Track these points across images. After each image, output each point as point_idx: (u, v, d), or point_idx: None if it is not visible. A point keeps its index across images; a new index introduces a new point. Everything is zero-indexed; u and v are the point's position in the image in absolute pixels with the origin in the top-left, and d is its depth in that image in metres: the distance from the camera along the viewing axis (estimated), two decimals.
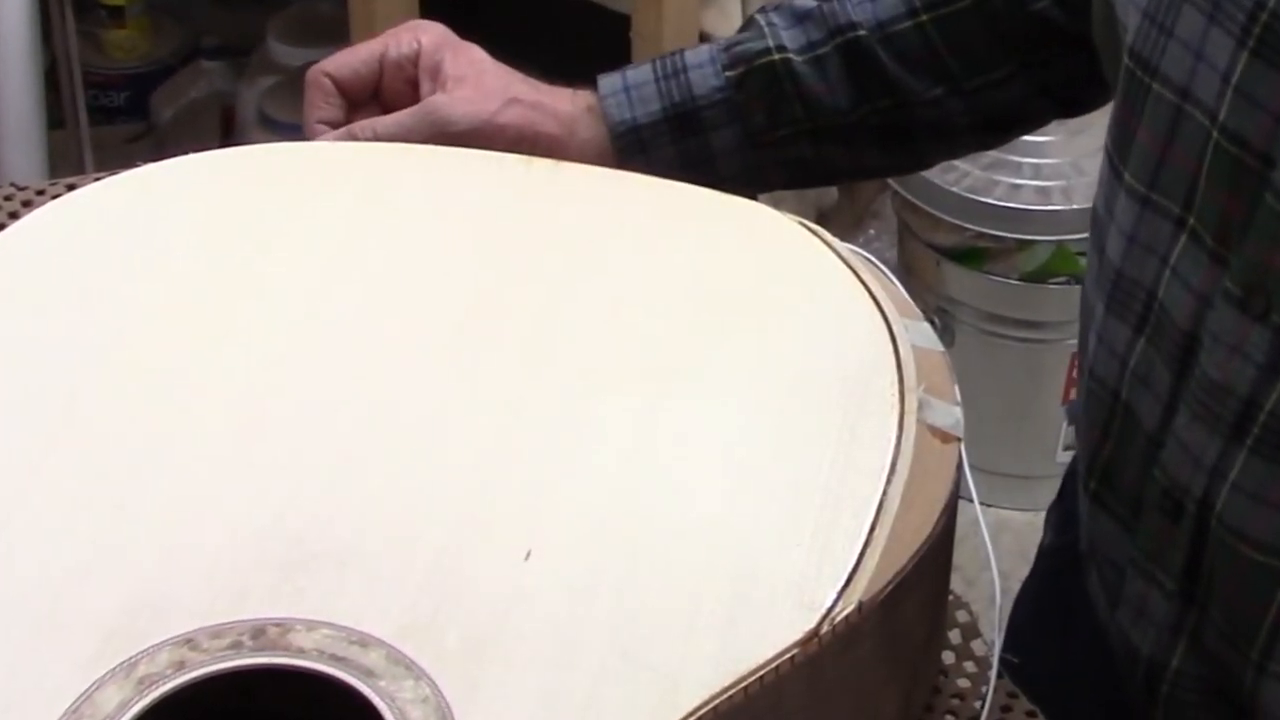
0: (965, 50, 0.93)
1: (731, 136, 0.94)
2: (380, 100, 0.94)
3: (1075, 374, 2.01)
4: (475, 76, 0.92)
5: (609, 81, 0.94)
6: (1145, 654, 0.82)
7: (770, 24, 0.94)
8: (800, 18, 0.94)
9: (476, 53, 0.94)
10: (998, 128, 0.98)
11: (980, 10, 0.93)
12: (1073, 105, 0.98)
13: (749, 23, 0.96)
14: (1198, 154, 0.74)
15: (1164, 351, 0.77)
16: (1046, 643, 0.93)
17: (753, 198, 0.87)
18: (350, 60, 0.93)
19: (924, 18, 0.93)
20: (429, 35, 0.94)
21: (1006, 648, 0.74)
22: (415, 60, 0.93)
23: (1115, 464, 0.82)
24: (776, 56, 0.93)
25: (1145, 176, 0.77)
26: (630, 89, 0.94)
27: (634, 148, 0.93)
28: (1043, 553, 1.00)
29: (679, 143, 0.94)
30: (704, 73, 0.94)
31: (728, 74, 0.94)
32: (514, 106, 0.92)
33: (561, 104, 0.94)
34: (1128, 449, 0.81)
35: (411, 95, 0.93)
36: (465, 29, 0.95)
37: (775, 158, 0.95)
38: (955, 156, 1.03)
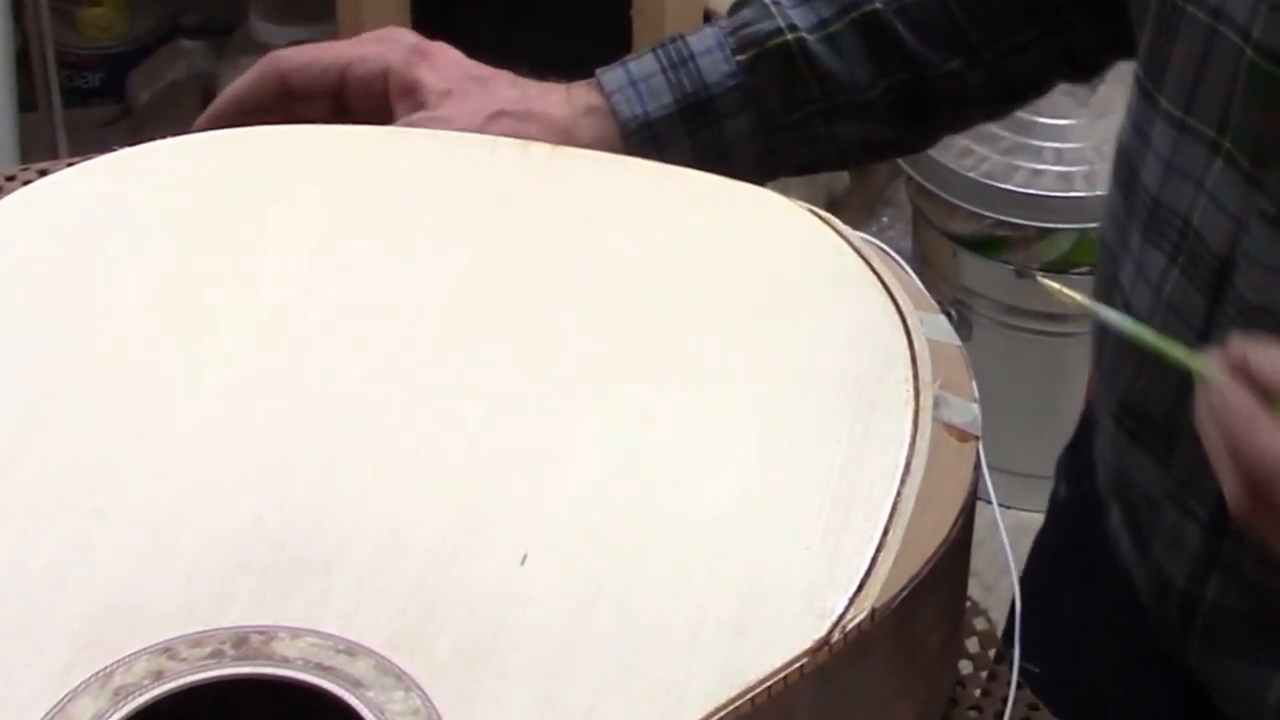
0: (986, 18, 0.94)
1: (746, 123, 0.94)
2: (348, 114, 0.93)
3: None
4: (458, 90, 0.92)
5: (613, 77, 0.94)
6: (1180, 587, 0.84)
7: (776, 2, 0.94)
8: None
9: (452, 56, 0.93)
10: (1014, 96, 1.00)
11: None
12: (1086, 71, 1.00)
13: (749, 1, 0.96)
14: (1231, 74, 0.76)
15: (1198, 278, 0.79)
16: (1066, 594, 0.95)
17: (759, 183, 0.87)
18: (310, 66, 0.93)
19: None
20: (397, 51, 0.93)
21: (1024, 602, 0.75)
22: (383, 79, 0.92)
23: (1150, 396, 0.84)
24: (790, 36, 0.93)
25: (1181, 100, 0.80)
26: (638, 82, 0.93)
27: (648, 144, 0.93)
28: (1057, 504, 1.01)
29: (693, 135, 0.93)
30: (714, 59, 0.93)
31: (739, 58, 0.93)
32: (501, 120, 0.91)
33: (555, 109, 0.93)
34: (1162, 380, 0.83)
35: (381, 113, 0.92)
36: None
37: (789, 141, 0.95)
38: (966, 129, 1.05)
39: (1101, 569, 0.90)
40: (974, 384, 0.76)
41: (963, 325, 2.00)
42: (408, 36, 0.94)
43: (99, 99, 2.42)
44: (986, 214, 1.96)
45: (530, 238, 0.83)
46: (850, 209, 2.29)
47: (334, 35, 2.02)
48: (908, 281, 0.81)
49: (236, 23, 2.34)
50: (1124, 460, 0.88)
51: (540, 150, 0.88)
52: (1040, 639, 0.77)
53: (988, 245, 1.98)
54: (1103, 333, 0.90)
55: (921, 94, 0.95)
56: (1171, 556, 0.84)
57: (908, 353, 0.77)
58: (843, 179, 2.30)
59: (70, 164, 0.89)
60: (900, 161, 2.03)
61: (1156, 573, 0.85)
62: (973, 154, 1.94)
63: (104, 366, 0.77)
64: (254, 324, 0.79)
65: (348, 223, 0.84)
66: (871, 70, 0.94)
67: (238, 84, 0.93)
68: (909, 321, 0.78)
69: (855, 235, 0.84)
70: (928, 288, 0.82)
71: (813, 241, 0.83)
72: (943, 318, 0.80)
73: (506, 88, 0.93)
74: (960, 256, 2.00)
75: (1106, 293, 0.88)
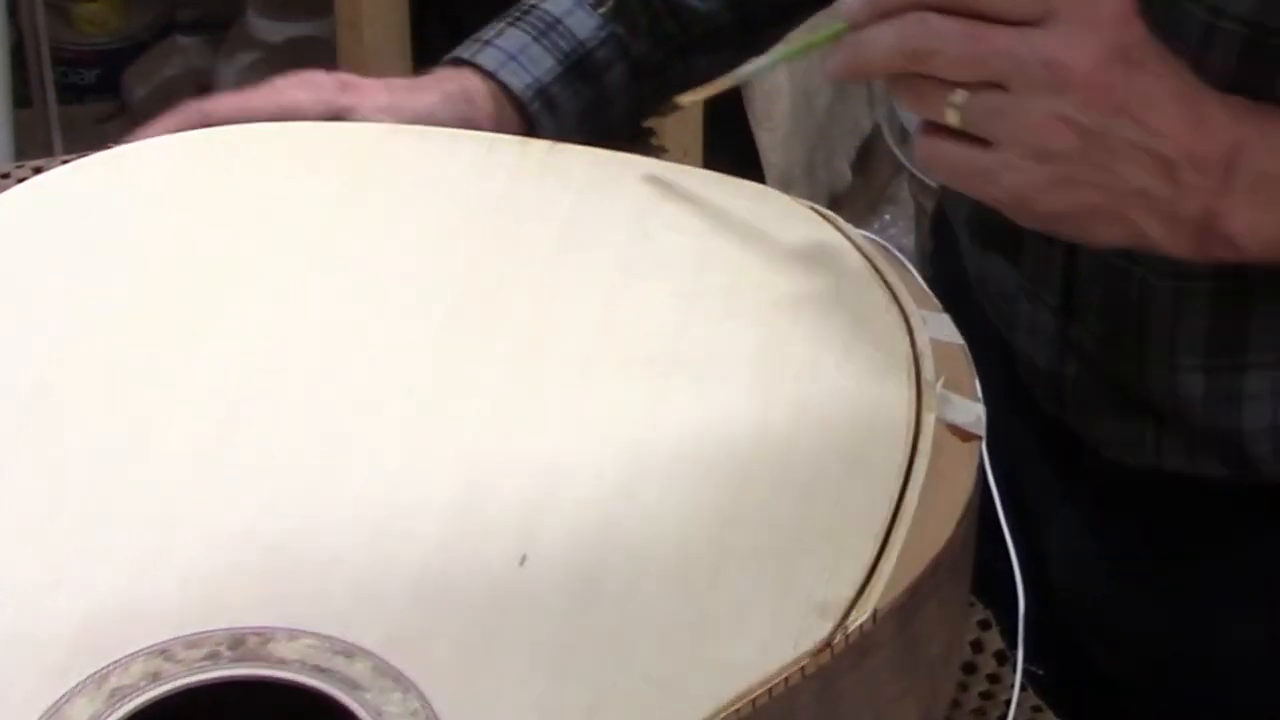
0: None
1: (622, 73, 0.99)
2: None
3: None
4: (400, 86, 0.95)
5: (489, 56, 0.97)
6: (1045, 369, 0.92)
7: None
8: None
9: (373, 80, 0.96)
10: None
11: None
12: None
13: None
14: None
15: None
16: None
17: (762, 180, 0.87)
18: (237, 119, 0.93)
19: None
20: (326, 90, 0.95)
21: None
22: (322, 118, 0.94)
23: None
24: None
25: None
26: (516, 56, 0.97)
27: (545, 109, 0.97)
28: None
29: (580, 94, 0.98)
30: (578, 17, 0.99)
31: (600, 11, 0.98)
32: (450, 104, 0.95)
33: (479, 105, 0.96)
34: None
35: None
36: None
37: (655, 85, 1.00)
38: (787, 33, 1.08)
39: (990, 347, 0.96)
40: (977, 383, 0.76)
41: None
42: (323, 76, 0.96)
43: (94, 95, 2.41)
44: None
45: (529, 235, 0.83)
46: (852, 207, 2.29)
47: (331, 30, 2.01)
48: (910, 280, 0.81)
49: (233, 18, 2.34)
50: (982, 265, 0.95)
51: (539, 147, 0.88)
52: (1045, 692, 0.80)
53: None
54: None
55: (757, 7, 1.01)
56: (1032, 343, 0.92)
57: (910, 351, 0.77)
58: (845, 176, 2.30)
59: (66, 161, 0.89)
60: (903, 159, 2.02)
61: (1025, 358, 0.93)
62: None
63: (100, 366, 0.77)
64: (250, 322, 0.79)
65: (345, 220, 0.84)
66: None
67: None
68: (911, 320, 0.78)
69: (857, 233, 0.84)
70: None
71: (814, 239, 0.83)
72: (946, 316, 0.80)
73: (441, 83, 0.96)
74: None
75: None
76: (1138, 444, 0.91)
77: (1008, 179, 0.75)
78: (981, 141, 0.75)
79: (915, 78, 0.75)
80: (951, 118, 0.74)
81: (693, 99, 0.88)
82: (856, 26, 0.76)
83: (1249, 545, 0.92)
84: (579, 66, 0.98)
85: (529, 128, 0.96)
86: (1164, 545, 0.94)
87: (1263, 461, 0.88)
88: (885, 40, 0.75)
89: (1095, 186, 0.75)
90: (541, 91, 0.96)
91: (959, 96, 0.74)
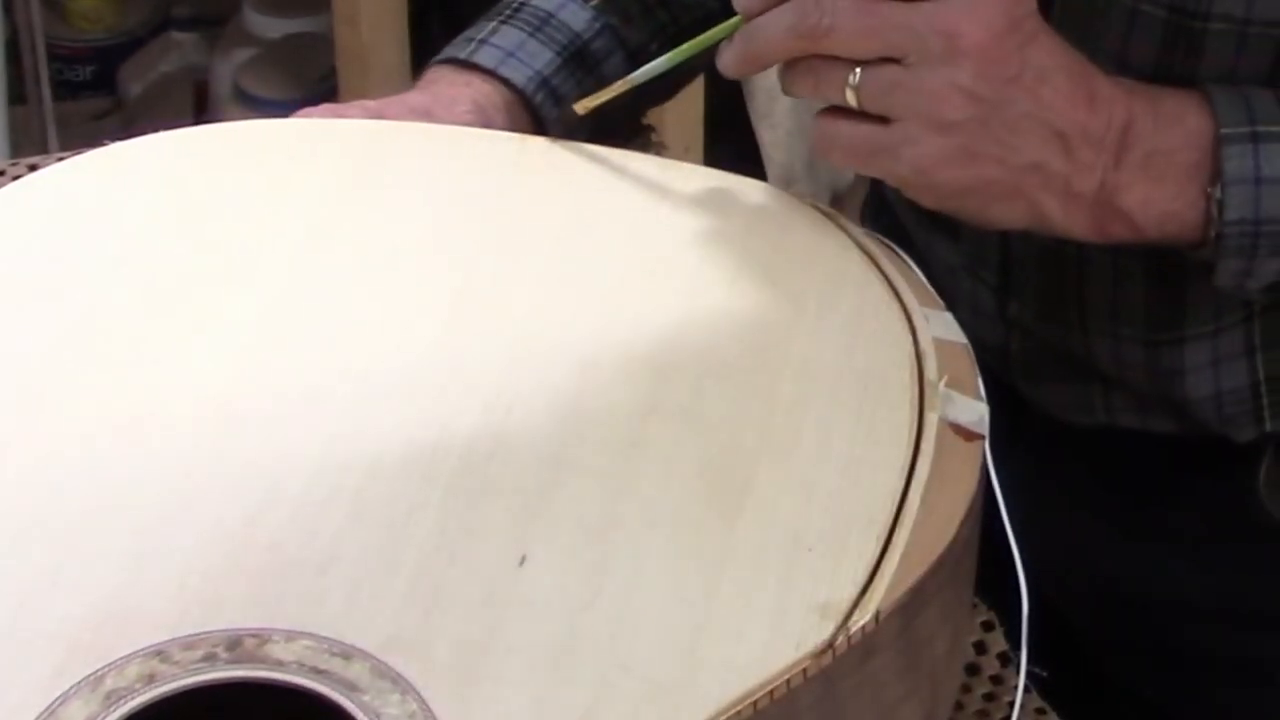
0: None
1: (620, 62, 0.99)
2: None
3: None
4: (420, 109, 0.95)
5: (487, 54, 0.97)
6: (991, 345, 0.93)
7: None
8: None
9: (398, 108, 0.96)
10: None
11: None
12: None
13: None
14: None
15: None
16: None
17: (763, 177, 0.87)
18: None
19: None
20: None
21: None
22: None
23: None
24: None
25: None
26: (515, 52, 0.97)
27: (549, 100, 0.97)
28: None
29: (583, 83, 0.98)
30: (571, 10, 0.99)
31: (591, 4, 0.99)
32: (471, 114, 0.95)
33: (498, 119, 0.96)
34: None
35: None
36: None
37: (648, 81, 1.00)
38: None
39: None
40: (980, 382, 0.76)
41: None
42: (350, 109, 0.96)
43: (90, 92, 2.41)
44: None
45: (528, 232, 0.83)
46: (854, 204, 2.29)
47: (328, 26, 2.01)
48: (913, 278, 0.81)
49: (229, 14, 2.33)
50: (925, 240, 0.96)
51: (538, 144, 0.88)
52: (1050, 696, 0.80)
53: None
54: None
55: None
56: (976, 320, 0.91)
57: (912, 350, 0.77)
58: (846, 175, 2.30)
59: (61, 158, 0.89)
60: None
61: (970, 333, 0.93)
62: None
63: (96, 364, 0.77)
64: (248, 320, 0.79)
65: (344, 216, 0.84)
66: None
67: None
68: (914, 319, 0.78)
69: (859, 231, 0.84)
70: None
71: (816, 237, 0.83)
72: (949, 315, 0.80)
73: (456, 104, 0.96)
74: None
75: None
76: (1089, 401, 0.93)
77: (908, 153, 0.76)
78: (880, 120, 0.76)
79: (811, 62, 0.77)
80: (851, 98, 0.76)
81: (588, 105, 0.88)
82: (751, 16, 0.78)
83: (1195, 492, 0.94)
84: (578, 57, 0.98)
85: (537, 125, 0.95)
86: (1111, 493, 0.96)
87: (1209, 424, 0.90)
88: (782, 22, 0.76)
89: (994, 160, 0.76)
90: (544, 83, 0.97)
91: (857, 75, 0.76)
